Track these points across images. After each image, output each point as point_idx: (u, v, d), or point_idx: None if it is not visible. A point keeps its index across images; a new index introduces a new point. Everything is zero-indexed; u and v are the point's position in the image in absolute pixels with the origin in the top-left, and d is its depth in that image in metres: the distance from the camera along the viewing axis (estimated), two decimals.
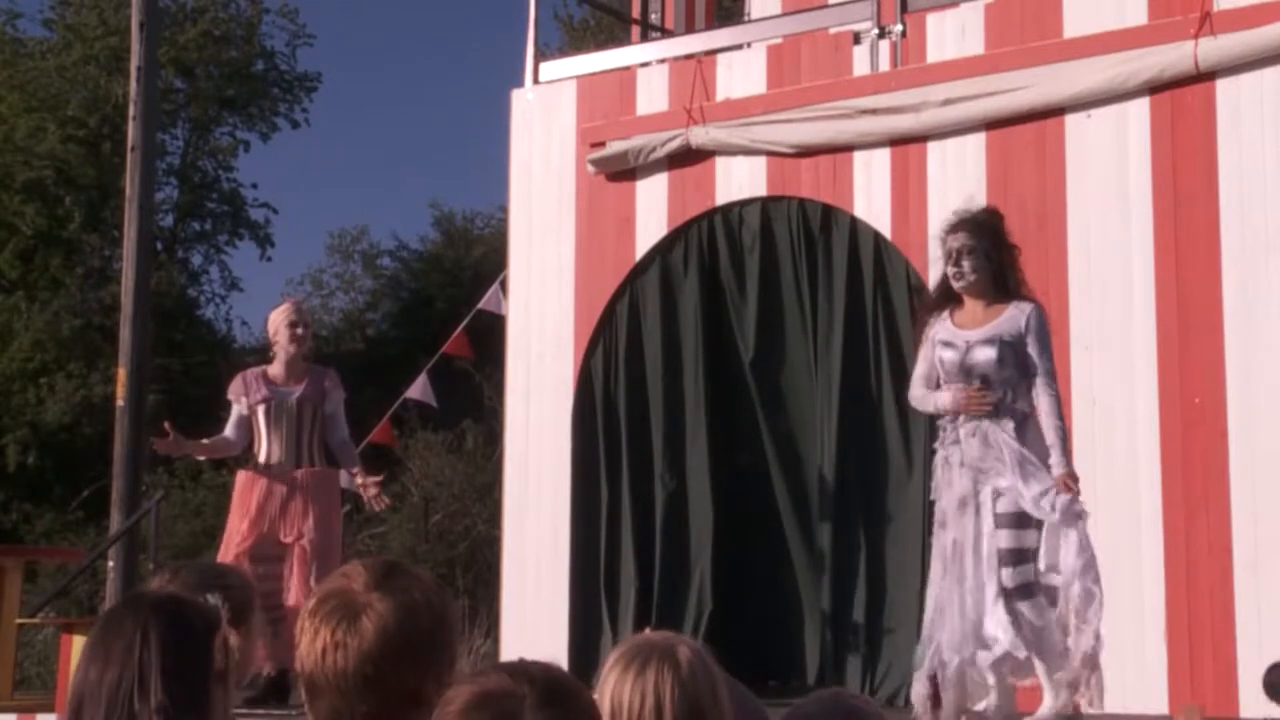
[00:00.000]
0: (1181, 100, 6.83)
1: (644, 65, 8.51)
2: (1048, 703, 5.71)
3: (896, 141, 7.48)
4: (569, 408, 8.23)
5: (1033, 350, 5.80)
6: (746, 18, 9.59)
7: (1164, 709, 6.50)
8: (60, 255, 24.32)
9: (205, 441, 7.67)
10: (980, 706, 5.77)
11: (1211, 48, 6.71)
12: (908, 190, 7.44)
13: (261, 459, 7.43)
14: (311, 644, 2.27)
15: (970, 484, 5.85)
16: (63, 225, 24.38)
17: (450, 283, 25.07)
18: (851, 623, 7.45)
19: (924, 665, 5.77)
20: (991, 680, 5.71)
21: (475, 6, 46.42)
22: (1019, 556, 5.73)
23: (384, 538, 18.43)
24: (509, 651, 8.12)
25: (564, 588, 8.08)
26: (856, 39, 7.71)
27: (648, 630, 2.77)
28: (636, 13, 10.49)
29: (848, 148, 7.61)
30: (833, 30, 7.87)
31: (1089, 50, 7.02)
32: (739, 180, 7.94)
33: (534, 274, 8.47)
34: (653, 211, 8.16)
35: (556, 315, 8.35)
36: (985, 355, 5.81)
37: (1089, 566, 5.64)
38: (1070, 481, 5.67)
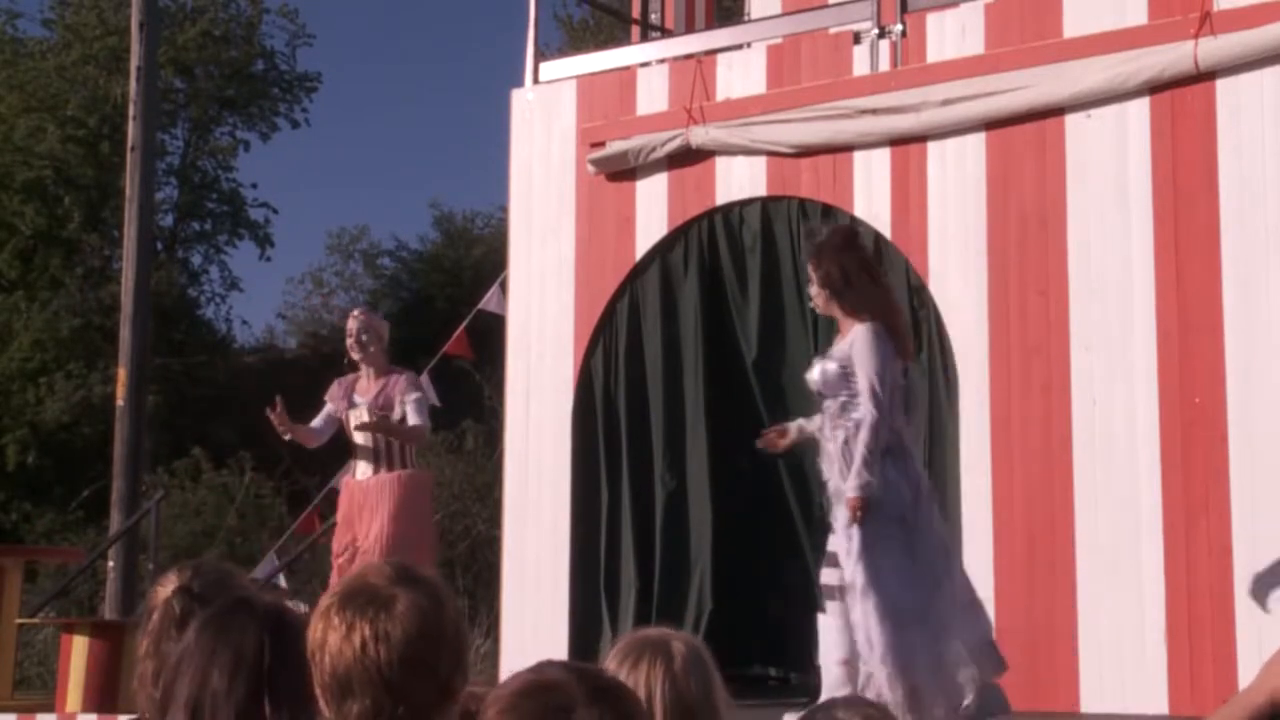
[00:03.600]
0: (1181, 100, 6.83)
1: (644, 65, 8.51)
2: None
3: (896, 141, 7.48)
4: (569, 408, 8.22)
5: (855, 369, 5.89)
6: (746, 18, 9.59)
7: (1164, 709, 6.50)
8: (60, 255, 24.32)
9: (300, 427, 7.79)
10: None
11: (1211, 48, 6.71)
12: (908, 190, 7.44)
13: (351, 469, 7.66)
14: (346, 640, 2.18)
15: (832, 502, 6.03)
16: (62, 225, 24.38)
17: (450, 283, 25.08)
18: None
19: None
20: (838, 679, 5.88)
21: (475, 6, 46.41)
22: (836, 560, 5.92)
23: None
24: (509, 651, 8.12)
25: (564, 588, 8.08)
26: (856, 39, 7.71)
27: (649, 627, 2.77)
28: (636, 13, 10.49)
29: (847, 148, 7.61)
30: (833, 30, 7.87)
31: (1089, 50, 7.01)
32: (739, 180, 7.94)
33: (534, 274, 8.46)
34: (653, 211, 8.16)
35: (556, 315, 8.34)
36: (813, 373, 6.02)
37: (869, 640, 5.72)
38: (853, 504, 5.75)
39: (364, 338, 7.63)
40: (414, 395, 7.53)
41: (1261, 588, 6.41)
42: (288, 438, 7.69)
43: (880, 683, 5.69)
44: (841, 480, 5.83)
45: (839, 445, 5.88)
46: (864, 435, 5.81)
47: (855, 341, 5.90)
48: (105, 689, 7.76)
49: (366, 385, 7.63)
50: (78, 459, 22.20)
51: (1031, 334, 7.03)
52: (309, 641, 2.26)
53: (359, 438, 7.55)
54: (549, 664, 1.97)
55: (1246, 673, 6.27)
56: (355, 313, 7.96)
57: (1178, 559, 6.60)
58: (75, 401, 22.50)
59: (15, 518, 22.39)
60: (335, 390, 7.73)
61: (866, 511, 5.75)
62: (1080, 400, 6.88)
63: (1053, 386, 6.94)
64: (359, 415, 7.54)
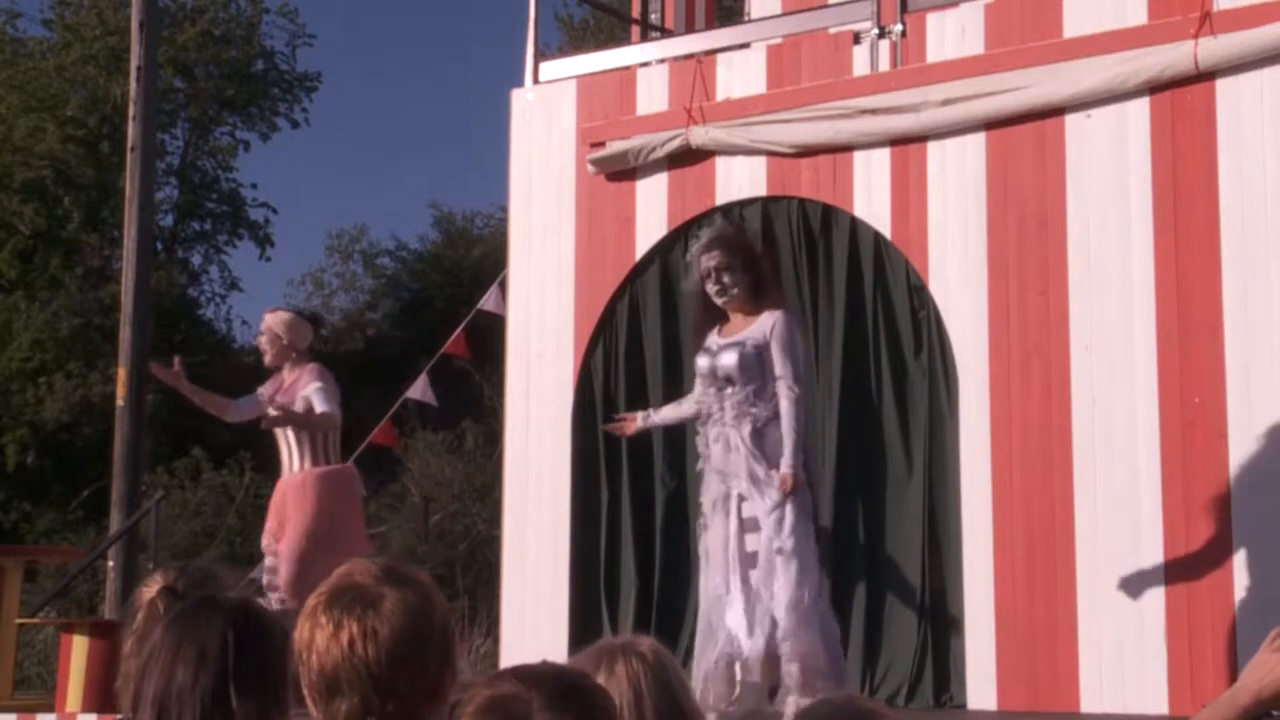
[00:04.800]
0: (1181, 100, 6.83)
1: (644, 65, 8.50)
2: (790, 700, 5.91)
3: (896, 141, 7.48)
4: (569, 408, 8.22)
5: (775, 354, 6.15)
6: (746, 18, 9.59)
7: (1164, 709, 6.50)
8: (59, 255, 24.32)
9: (212, 395, 7.71)
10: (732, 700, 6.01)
11: (1211, 48, 6.71)
12: (908, 190, 7.44)
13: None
14: (334, 638, 2.19)
15: (720, 487, 6.21)
16: (62, 225, 24.38)
17: (450, 283, 25.08)
18: (851, 622, 7.44)
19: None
20: (737, 677, 6.00)
21: (475, 6, 46.42)
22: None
23: (384, 537, 18.43)
24: (509, 651, 8.13)
25: (564, 588, 8.08)
26: (856, 39, 7.71)
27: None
28: (636, 13, 10.48)
29: (848, 148, 7.60)
30: (833, 30, 7.87)
31: (1089, 50, 7.01)
32: (739, 180, 7.94)
33: (534, 274, 8.46)
34: (653, 211, 8.16)
35: (556, 315, 8.34)
36: (728, 359, 6.19)
37: (796, 603, 5.97)
38: (788, 481, 6.00)
39: (262, 339, 7.56)
40: (315, 385, 7.34)
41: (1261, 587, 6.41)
42: (196, 401, 7.63)
43: (801, 649, 5.92)
44: (757, 463, 6.06)
45: (744, 434, 6.05)
46: (796, 415, 6.09)
47: (776, 327, 6.17)
48: (105, 689, 7.75)
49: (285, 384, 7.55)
50: (78, 459, 22.20)
51: (1031, 334, 7.03)
52: (296, 641, 2.27)
53: (280, 437, 7.42)
54: (503, 675, 1.96)
55: None
56: (273, 309, 7.79)
57: (1178, 558, 6.60)
58: (75, 401, 22.50)
59: (15, 518, 22.39)
60: (270, 383, 7.64)
61: (799, 488, 6.03)
62: (1080, 400, 6.88)
63: (1053, 386, 6.94)
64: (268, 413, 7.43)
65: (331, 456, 7.40)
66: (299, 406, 7.33)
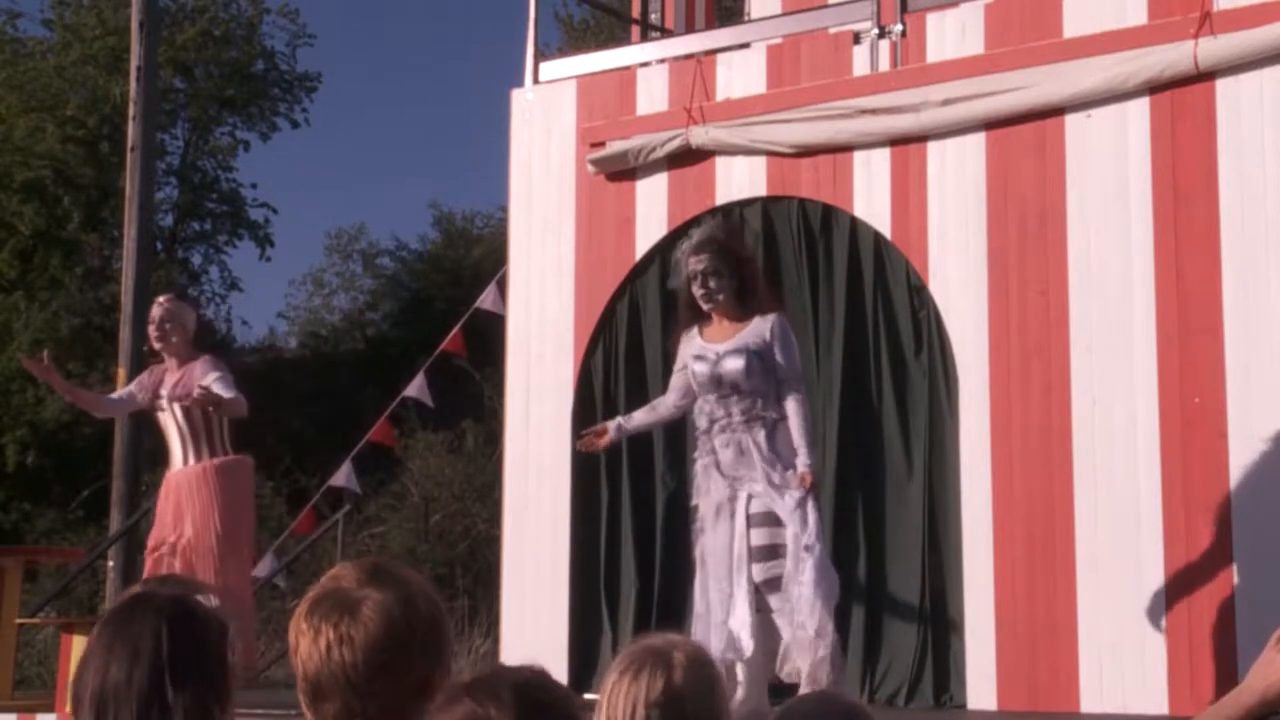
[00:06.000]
0: (1181, 100, 6.83)
1: (644, 65, 8.50)
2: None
3: (896, 141, 7.48)
4: (569, 408, 8.22)
5: (779, 356, 6.23)
6: (746, 18, 9.59)
7: (1164, 709, 6.50)
8: (59, 255, 24.30)
9: (79, 390, 7.76)
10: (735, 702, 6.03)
11: (1211, 48, 6.71)
12: (908, 190, 7.44)
13: (170, 462, 7.49)
14: (314, 644, 2.23)
15: (726, 490, 6.23)
16: (62, 225, 24.35)
17: (450, 283, 25.04)
18: (851, 622, 7.44)
19: None
20: (740, 678, 6.03)
21: (475, 6, 46.41)
22: (771, 553, 6.10)
23: (384, 537, 18.44)
24: (509, 651, 8.13)
25: (564, 588, 8.08)
26: (856, 39, 7.71)
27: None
28: (636, 13, 10.49)
29: (848, 148, 7.61)
30: (833, 30, 7.87)
31: (1089, 50, 7.01)
32: (739, 180, 7.94)
33: (534, 274, 8.46)
34: (653, 211, 8.16)
35: (556, 315, 8.34)
36: (734, 365, 6.21)
37: (826, 597, 6.03)
38: (808, 478, 6.09)
39: (166, 326, 7.43)
40: (215, 374, 7.30)
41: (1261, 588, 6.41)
42: (69, 398, 7.66)
43: (815, 644, 5.98)
44: (773, 466, 6.10)
45: (759, 438, 6.13)
46: (805, 414, 6.19)
47: (775, 330, 6.25)
48: None
49: (170, 377, 7.43)
50: (78, 459, 22.19)
51: (1031, 334, 7.04)
52: (289, 645, 2.31)
53: (171, 430, 7.37)
54: (458, 695, 1.92)
55: (1247, 673, 6.26)
56: (160, 299, 7.69)
57: (1178, 558, 6.60)
58: None
59: (15, 518, 22.38)
60: (145, 378, 7.56)
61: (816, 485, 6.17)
62: (1080, 400, 6.88)
63: (1053, 387, 6.94)
64: (166, 415, 7.39)
65: (228, 447, 7.38)
66: (197, 395, 7.26)
